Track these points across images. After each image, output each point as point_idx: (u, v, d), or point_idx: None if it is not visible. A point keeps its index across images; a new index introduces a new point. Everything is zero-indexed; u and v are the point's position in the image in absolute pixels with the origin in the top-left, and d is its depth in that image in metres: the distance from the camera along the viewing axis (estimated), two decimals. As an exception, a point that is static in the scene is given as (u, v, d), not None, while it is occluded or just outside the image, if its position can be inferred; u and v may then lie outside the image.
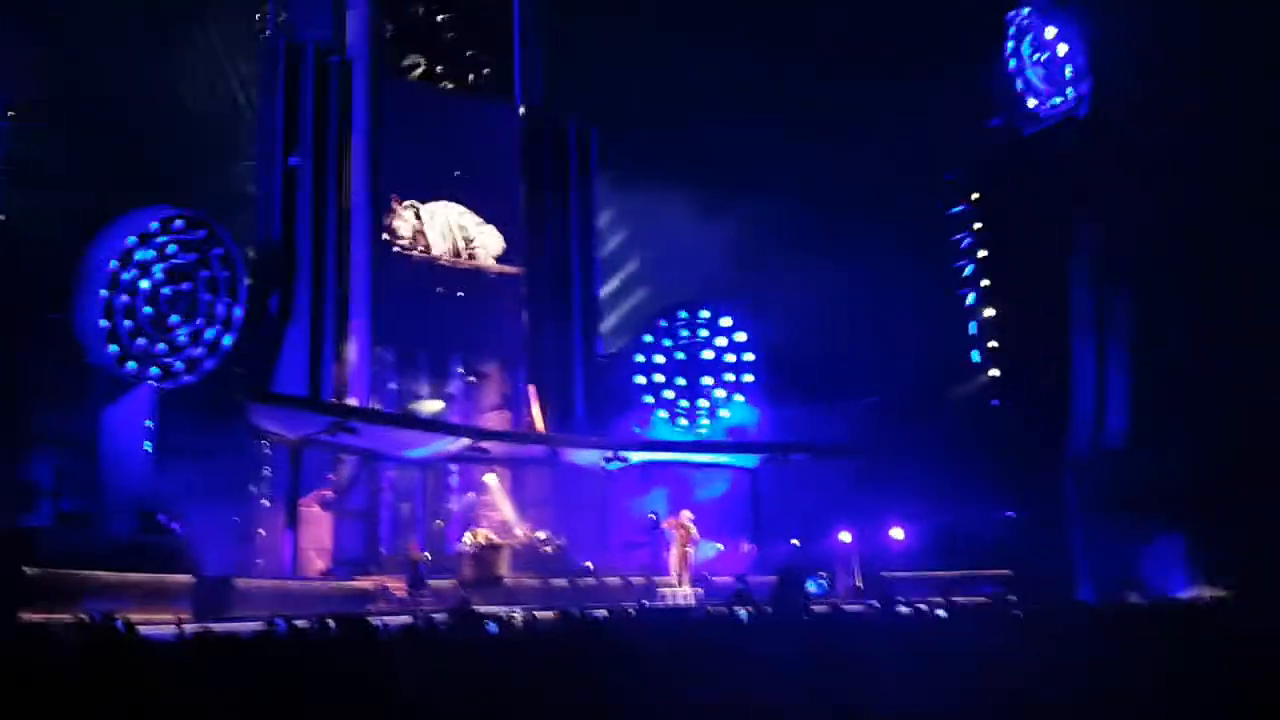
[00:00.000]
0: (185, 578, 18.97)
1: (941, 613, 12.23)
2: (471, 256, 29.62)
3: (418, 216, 28.93)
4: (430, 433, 25.42)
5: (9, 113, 20.91)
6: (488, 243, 30.02)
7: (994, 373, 27.92)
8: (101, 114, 24.13)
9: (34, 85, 21.34)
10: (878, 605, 15.65)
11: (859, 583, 24.80)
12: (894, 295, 28.33)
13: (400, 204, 28.60)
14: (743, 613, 11.85)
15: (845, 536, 25.62)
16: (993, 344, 28.02)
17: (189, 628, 14.70)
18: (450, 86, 30.61)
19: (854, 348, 28.89)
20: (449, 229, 29.44)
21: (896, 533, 25.80)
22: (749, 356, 31.68)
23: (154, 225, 22.43)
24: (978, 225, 28.76)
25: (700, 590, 22.77)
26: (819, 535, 25.88)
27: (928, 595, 18.65)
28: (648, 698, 6.19)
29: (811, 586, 14.21)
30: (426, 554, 23.02)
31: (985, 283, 28.32)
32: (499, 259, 30.08)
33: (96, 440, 21.87)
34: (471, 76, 31.11)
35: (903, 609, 13.08)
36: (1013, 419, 26.60)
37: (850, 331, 28.81)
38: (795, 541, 26.36)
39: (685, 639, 8.77)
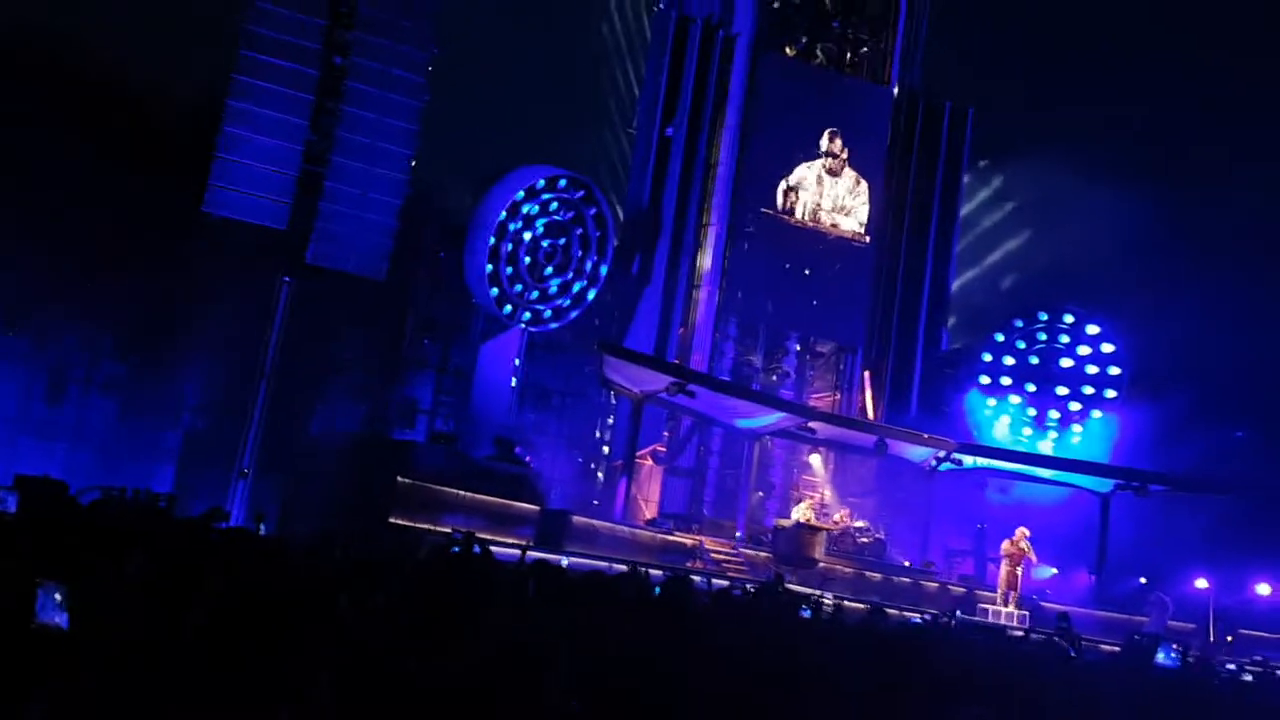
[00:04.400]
0: (531, 507, 20.77)
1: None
2: (834, 225, 29.35)
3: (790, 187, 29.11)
4: (762, 406, 25.90)
5: (429, 68, 23.18)
6: (852, 209, 29.75)
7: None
8: (496, 73, 26.39)
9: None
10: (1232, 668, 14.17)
11: (1211, 637, 22.53)
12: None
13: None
14: (1071, 649, 11.19)
15: (1202, 583, 23.25)
16: None
17: (531, 554, 16.19)
18: (826, 65, 30.58)
19: (1230, 369, 25.99)
20: (817, 192, 29.34)
21: (1263, 588, 23.06)
22: (1114, 371, 29.32)
23: (540, 182, 24.57)
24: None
25: (1027, 613, 21.67)
26: (1168, 576, 23.68)
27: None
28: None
29: (1161, 657, 13.08)
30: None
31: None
32: (857, 233, 29.76)
33: (471, 372, 24.47)
34: (849, 55, 30.89)
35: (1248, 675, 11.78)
36: None
37: (1228, 350, 25.93)
38: (1143, 580, 24.28)
39: (1005, 664, 8.49)
